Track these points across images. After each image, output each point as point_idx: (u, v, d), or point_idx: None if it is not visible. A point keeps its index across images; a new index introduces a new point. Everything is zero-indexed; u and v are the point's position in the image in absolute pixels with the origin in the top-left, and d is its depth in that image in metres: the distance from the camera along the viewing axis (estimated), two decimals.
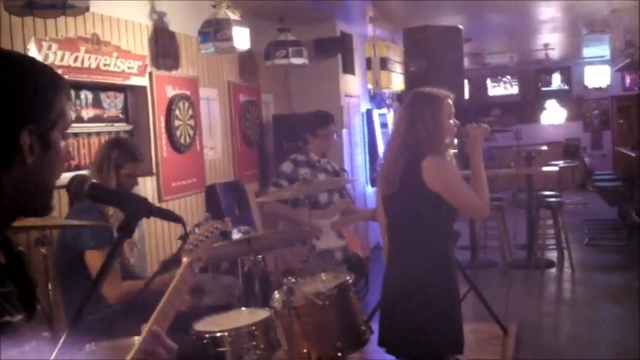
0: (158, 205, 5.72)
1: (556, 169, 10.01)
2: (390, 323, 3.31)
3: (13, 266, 1.33)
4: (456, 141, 3.61)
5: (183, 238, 1.57)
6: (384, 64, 9.40)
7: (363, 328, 3.56)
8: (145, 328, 1.55)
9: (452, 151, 3.42)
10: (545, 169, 9.60)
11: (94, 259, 3.40)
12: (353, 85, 9.39)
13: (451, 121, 3.29)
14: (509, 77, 17.28)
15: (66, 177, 1.45)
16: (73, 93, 4.96)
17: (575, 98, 16.95)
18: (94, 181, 1.43)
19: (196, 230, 1.96)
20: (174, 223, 1.45)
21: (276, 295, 3.59)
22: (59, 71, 4.38)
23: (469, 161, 3.35)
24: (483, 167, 3.31)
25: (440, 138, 3.22)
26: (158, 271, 1.69)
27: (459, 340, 3.30)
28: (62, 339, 1.29)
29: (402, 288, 3.28)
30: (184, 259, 1.78)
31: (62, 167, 1.37)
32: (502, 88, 17.52)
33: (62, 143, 1.36)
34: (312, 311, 3.38)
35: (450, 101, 3.32)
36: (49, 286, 3.87)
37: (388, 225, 3.41)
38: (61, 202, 4.02)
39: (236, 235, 5.09)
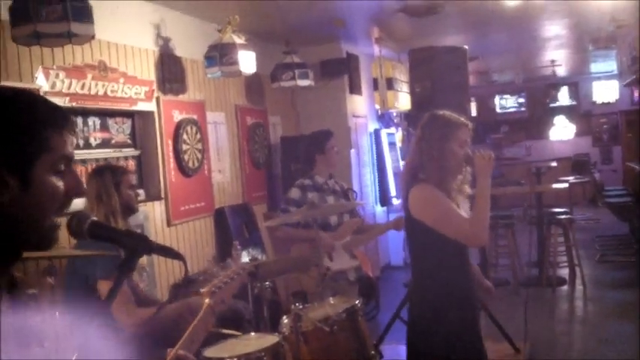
0: (167, 228, 5.76)
1: (566, 185, 9.95)
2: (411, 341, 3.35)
3: None
4: None
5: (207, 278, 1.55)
6: (390, 84, 9.41)
7: (373, 352, 3.54)
8: None
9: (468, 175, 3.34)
10: (555, 186, 9.56)
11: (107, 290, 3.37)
12: (360, 106, 9.41)
13: (462, 149, 3.21)
14: (516, 94, 17.27)
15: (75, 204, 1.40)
16: (80, 119, 4.99)
17: (583, 113, 16.91)
18: (95, 218, 1.42)
19: (221, 272, 1.91)
20: (174, 260, 1.45)
21: (285, 320, 3.57)
22: (66, 99, 4.44)
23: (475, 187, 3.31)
24: (488, 196, 3.21)
25: (442, 163, 3.18)
26: (169, 299, 1.66)
27: (480, 351, 3.30)
28: None
29: (416, 303, 3.37)
30: (206, 301, 1.75)
31: (54, 203, 1.30)
32: (510, 105, 17.50)
33: (59, 182, 1.30)
34: (321, 336, 3.36)
35: (467, 129, 3.26)
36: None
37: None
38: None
39: (245, 259, 5.08)
